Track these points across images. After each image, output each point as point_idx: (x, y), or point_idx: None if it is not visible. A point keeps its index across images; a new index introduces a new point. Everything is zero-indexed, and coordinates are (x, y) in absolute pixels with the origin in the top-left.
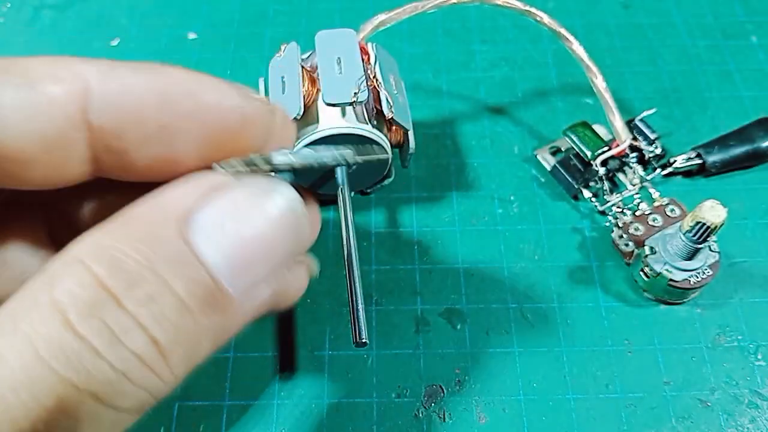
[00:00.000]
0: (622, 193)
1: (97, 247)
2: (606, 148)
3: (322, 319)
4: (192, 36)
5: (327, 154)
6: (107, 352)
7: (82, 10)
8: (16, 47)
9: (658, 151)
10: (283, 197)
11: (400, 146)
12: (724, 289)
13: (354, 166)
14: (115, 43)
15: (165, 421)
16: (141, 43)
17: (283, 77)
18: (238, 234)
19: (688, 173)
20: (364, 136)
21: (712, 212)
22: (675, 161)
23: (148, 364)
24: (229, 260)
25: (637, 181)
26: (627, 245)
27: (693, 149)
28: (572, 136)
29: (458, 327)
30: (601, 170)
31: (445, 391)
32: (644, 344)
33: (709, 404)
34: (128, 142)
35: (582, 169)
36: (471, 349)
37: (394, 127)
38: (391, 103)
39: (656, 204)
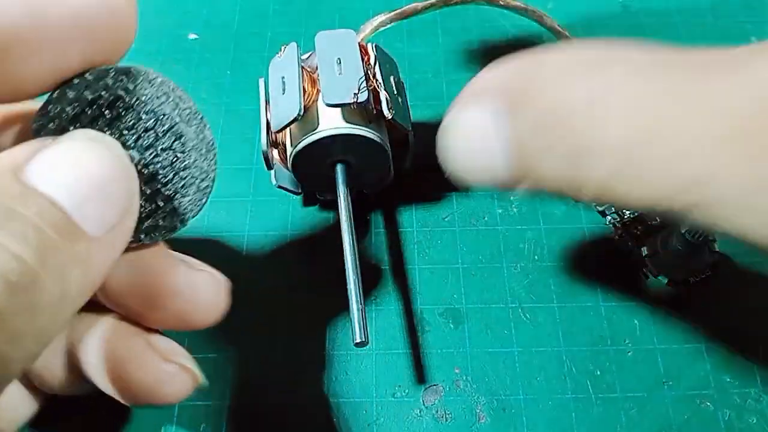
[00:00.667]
0: None
1: None
2: None
3: (322, 319)
4: (192, 36)
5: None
6: None
7: None
8: None
9: None
10: (105, 143)
11: (400, 147)
12: (725, 289)
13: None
14: None
15: (165, 420)
16: (141, 42)
17: (283, 77)
18: (73, 174)
19: None
20: (364, 137)
21: None
22: None
23: (18, 279)
24: (71, 196)
25: None
26: (627, 245)
27: None
28: None
29: (458, 327)
30: None
31: (444, 390)
32: (644, 344)
33: (709, 404)
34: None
35: None
36: (471, 349)
37: (394, 128)
38: (391, 104)
39: None
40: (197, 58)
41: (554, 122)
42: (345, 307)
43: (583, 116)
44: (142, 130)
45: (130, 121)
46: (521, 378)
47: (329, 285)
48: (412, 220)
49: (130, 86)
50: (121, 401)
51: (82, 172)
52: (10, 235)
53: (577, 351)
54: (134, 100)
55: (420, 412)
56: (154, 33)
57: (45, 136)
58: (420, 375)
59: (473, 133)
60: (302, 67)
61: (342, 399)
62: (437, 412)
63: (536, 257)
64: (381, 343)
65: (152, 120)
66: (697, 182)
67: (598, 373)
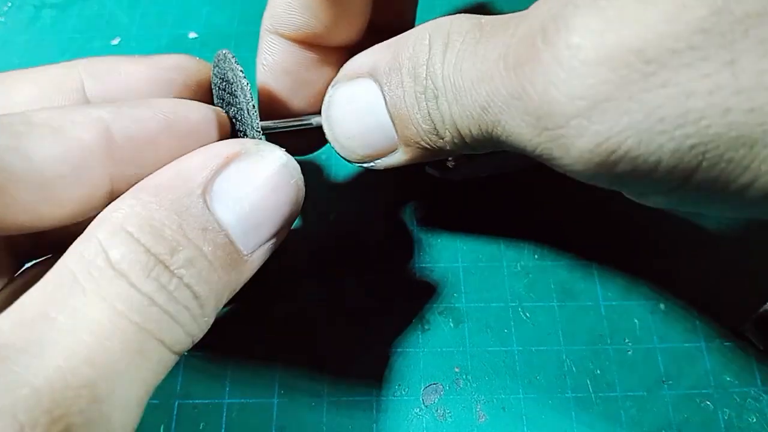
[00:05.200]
0: None
1: (136, 216)
2: None
3: (320, 321)
4: (192, 35)
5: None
6: (167, 305)
7: (82, 9)
8: (17, 46)
9: None
10: (287, 168)
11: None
12: (726, 289)
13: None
14: (115, 42)
15: (165, 419)
16: (141, 42)
17: None
18: (252, 203)
19: None
20: None
21: None
22: None
23: (192, 314)
24: (243, 225)
25: None
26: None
27: None
28: None
29: (458, 326)
30: None
31: (444, 389)
32: (644, 343)
33: (708, 403)
34: (143, 167)
35: None
36: (471, 348)
37: None
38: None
39: None
40: (197, 57)
41: (414, 80)
42: (345, 307)
43: (429, 71)
44: (230, 98)
45: (229, 96)
46: (521, 377)
47: (329, 284)
48: (413, 219)
49: (229, 73)
50: None
51: (261, 201)
52: (192, 276)
53: (576, 350)
54: (231, 81)
55: (420, 411)
56: (154, 32)
57: (229, 139)
58: (420, 374)
59: (357, 103)
60: None
61: (342, 398)
62: (437, 411)
63: (536, 256)
64: (381, 341)
65: (234, 92)
66: (489, 103)
67: (598, 372)
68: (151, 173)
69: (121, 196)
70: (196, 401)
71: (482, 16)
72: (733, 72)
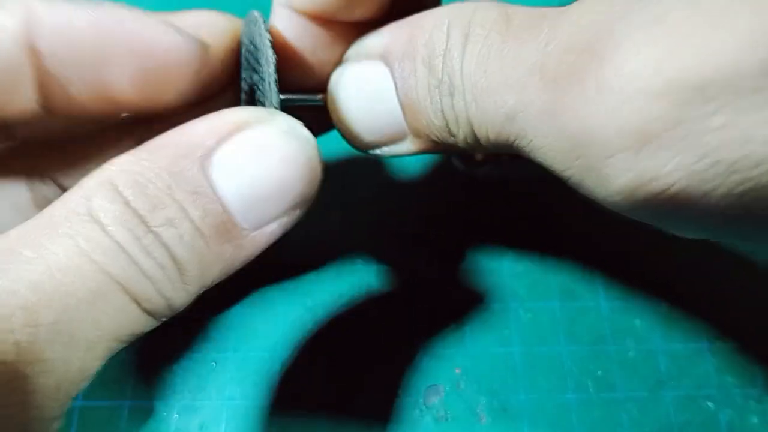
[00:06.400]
0: None
1: (126, 171)
2: None
3: (320, 319)
4: None
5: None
6: (138, 257)
7: None
8: None
9: None
10: (300, 141)
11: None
12: (728, 289)
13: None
14: None
15: (165, 416)
16: None
17: None
18: (255, 174)
19: None
20: None
21: None
22: None
23: (168, 275)
24: (243, 197)
25: None
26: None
27: None
28: None
29: (458, 327)
30: None
31: (445, 390)
32: (646, 344)
33: (710, 404)
34: (68, 69)
35: None
36: (471, 348)
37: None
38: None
39: None
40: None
41: (429, 71)
42: (345, 306)
43: (446, 65)
44: (255, 64)
45: (255, 62)
46: (522, 378)
47: (329, 287)
48: (412, 219)
49: (257, 38)
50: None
51: (265, 174)
52: (171, 237)
53: (578, 351)
54: (258, 47)
55: (420, 412)
56: None
57: (235, 106)
58: (420, 375)
59: (366, 86)
60: None
61: (342, 398)
62: (438, 412)
63: (537, 257)
64: (381, 342)
65: (258, 60)
66: (516, 113)
67: (600, 373)
68: (82, 80)
69: (124, 153)
70: (194, 402)
71: (510, 5)
72: None
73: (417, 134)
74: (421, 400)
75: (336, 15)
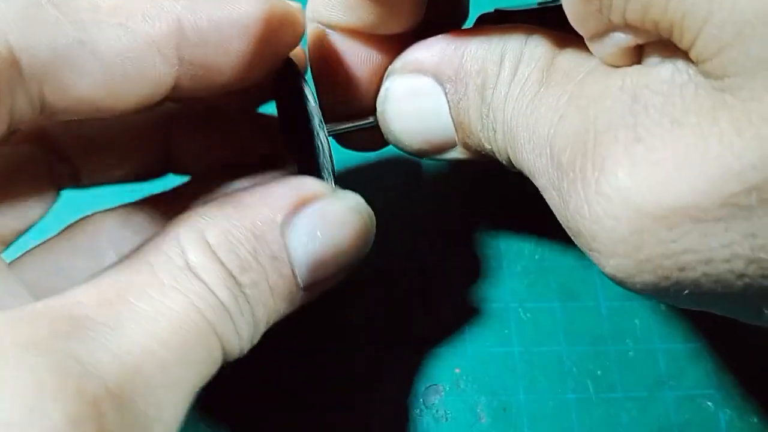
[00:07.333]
0: None
1: (216, 226)
2: None
3: (319, 318)
4: None
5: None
6: (235, 315)
7: None
8: None
9: None
10: (363, 217)
11: None
12: None
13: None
14: None
15: None
16: None
17: None
18: (324, 243)
19: None
20: None
21: None
22: None
23: (248, 330)
24: (309, 263)
25: None
26: None
27: None
28: None
29: (458, 327)
30: None
31: (444, 390)
32: (645, 344)
33: (710, 404)
34: (213, 71)
35: None
36: (471, 348)
37: None
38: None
39: None
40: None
41: (481, 100)
42: (345, 307)
43: (494, 99)
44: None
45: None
46: (522, 378)
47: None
48: (412, 219)
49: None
50: None
51: (332, 244)
52: (254, 297)
53: (577, 351)
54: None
55: (420, 412)
56: None
57: (308, 175)
58: (420, 375)
59: (417, 101)
60: None
61: (342, 398)
62: (437, 412)
63: (537, 257)
64: (381, 342)
65: (308, 117)
66: (533, 173)
67: (599, 372)
68: (216, 74)
69: (208, 204)
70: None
71: (559, 40)
72: (751, 245)
73: (467, 147)
74: (421, 400)
75: (370, 29)
